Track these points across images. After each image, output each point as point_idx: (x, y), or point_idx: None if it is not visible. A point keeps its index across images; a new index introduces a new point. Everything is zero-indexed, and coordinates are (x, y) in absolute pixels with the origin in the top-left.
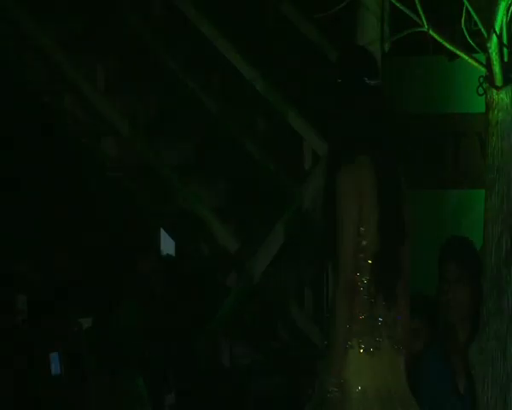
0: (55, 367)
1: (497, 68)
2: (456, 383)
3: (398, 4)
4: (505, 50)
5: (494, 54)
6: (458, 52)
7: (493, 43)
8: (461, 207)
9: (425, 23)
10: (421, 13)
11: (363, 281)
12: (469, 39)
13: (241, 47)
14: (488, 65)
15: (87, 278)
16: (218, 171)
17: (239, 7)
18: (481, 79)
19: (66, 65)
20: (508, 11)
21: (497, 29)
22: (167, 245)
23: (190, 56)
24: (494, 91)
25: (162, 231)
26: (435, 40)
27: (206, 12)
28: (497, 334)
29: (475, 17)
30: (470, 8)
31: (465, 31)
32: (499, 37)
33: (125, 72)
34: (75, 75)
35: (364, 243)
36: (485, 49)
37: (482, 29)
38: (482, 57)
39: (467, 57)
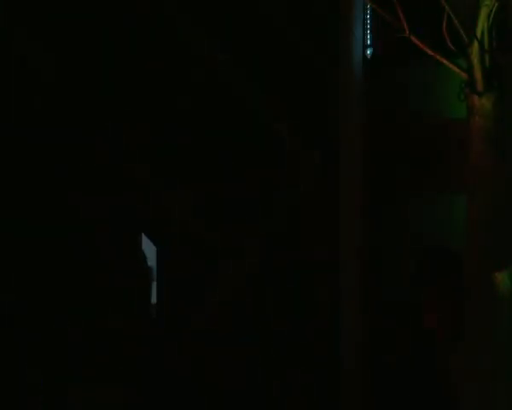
0: None
1: (478, 74)
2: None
3: (379, 10)
4: (486, 56)
5: (475, 60)
6: (439, 58)
7: (474, 49)
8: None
9: (406, 29)
10: (402, 19)
11: None
12: (450, 45)
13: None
14: (469, 71)
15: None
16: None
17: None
18: (463, 85)
19: None
20: (489, 17)
21: (479, 35)
22: (148, 251)
23: None
24: (476, 97)
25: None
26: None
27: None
28: (478, 335)
29: (457, 22)
30: (452, 14)
31: (446, 36)
32: (480, 42)
33: None
34: None
35: None
36: (466, 55)
37: (463, 35)
38: (464, 63)
39: (448, 63)
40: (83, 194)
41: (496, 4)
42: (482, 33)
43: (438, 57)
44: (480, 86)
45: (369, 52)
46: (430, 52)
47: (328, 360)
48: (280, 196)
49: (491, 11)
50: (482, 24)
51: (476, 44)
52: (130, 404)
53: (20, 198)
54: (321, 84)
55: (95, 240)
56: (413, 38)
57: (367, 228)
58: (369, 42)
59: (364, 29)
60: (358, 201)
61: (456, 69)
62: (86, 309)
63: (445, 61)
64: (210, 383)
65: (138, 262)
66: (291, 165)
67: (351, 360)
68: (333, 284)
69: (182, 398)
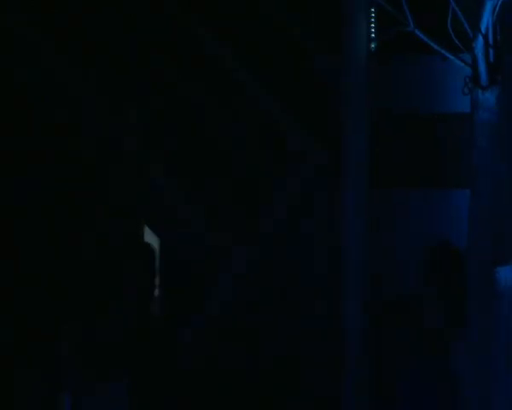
0: None
1: (482, 68)
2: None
3: (384, 3)
4: (491, 50)
5: (480, 54)
6: (444, 52)
7: (479, 43)
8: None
9: (411, 22)
10: (407, 12)
11: None
12: (455, 39)
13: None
14: (474, 65)
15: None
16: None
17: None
18: (467, 79)
19: None
20: (494, 11)
21: (483, 29)
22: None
23: None
24: (480, 91)
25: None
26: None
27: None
28: (480, 334)
29: (461, 17)
30: (456, 8)
31: (451, 30)
32: (485, 37)
33: None
34: None
35: None
36: (470, 49)
37: (468, 29)
38: (468, 57)
39: (452, 57)
40: (82, 185)
41: None
42: (487, 27)
43: (442, 51)
44: (483, 80)
45: (373, 46)
46: (435, 46)
47: (329, 359)
48: (280, 194)
49: (497, 5)
50: (487, 18)
51: (481, 38)
52: (131, 400)
53: (21, 192)
54: (323, 80)
55: (95, 233)
56: (418, 32)
57: (368, 226)
58: (373, 35)
59: (368, 23)
60: (361, 198)
61: (460, 63)
62: (86, 305)
63: (449, 55)
64: (211, 381)
65: (142, 255)
66: (293, 163)
67: (351, 359)
68: (333, 284)
69: (182, 397)
